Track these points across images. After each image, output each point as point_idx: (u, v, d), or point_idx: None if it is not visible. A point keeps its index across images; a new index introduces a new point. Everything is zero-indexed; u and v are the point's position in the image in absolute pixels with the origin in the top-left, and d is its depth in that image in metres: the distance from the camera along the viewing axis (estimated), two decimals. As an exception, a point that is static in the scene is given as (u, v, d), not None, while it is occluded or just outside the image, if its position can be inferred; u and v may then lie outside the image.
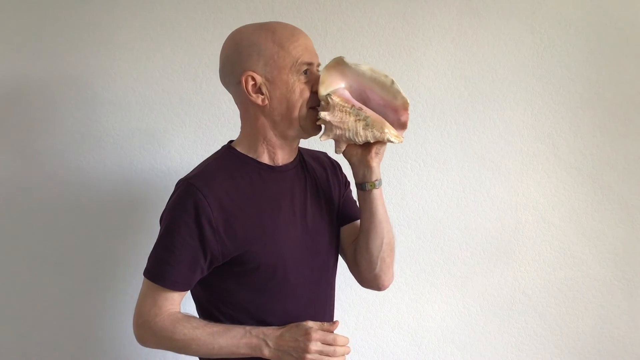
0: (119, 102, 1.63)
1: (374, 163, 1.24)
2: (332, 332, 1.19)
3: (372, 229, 1.28)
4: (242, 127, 1.27)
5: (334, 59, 1.21)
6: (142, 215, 1.63)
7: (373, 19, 1.71)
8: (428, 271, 1.77)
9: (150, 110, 1.64)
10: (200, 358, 1.28)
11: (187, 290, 1.22)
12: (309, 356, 1.14)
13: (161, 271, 1.18)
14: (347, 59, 1.20)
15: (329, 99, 1.19)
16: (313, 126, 1.23)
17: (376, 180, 1.25)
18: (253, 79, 1.20)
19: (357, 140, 1.21)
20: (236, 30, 1.25)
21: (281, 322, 1.21)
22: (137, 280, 1.65)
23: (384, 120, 1.21)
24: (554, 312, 1.81)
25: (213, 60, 1.64)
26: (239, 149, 1.26)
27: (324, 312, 1.32)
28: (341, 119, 1.19)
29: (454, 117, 1.75)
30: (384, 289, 1.37)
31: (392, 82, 1.21)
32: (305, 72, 1.21)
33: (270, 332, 1.17)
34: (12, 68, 1.59)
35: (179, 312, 1.21)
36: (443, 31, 1.73)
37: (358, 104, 1.21)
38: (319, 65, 1.25)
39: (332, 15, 1.69)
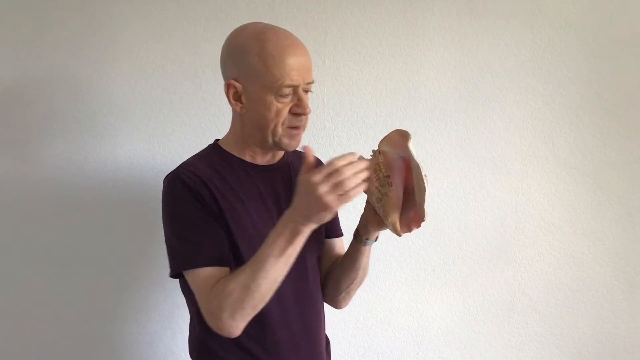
0: (119, 102, 1.63)
1: (373, 229, 1.25)
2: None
3: (349, 270, 1.32)
4: (230, 125, 1.28)
5: (406, 133, 1.14)
6: (142, 215, 1.62)
7: (373, 19, 1.71)
8: (428, 271, 1.77)
9: (150, 110, 1.64)
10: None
11: (219, 264, 1.15)
12: (330, 202, 1.02)
13: (186, 254, 1.16)
14: (412, 144, 1.12)
15: (379, 154, 1.17)
16: (289, 144, 1.21)
17: (367, 239, 1.27)
18: (235, 87, 1.20)
19: (370, 200, 1.22)
20: (240, 28, 1.23)
21: (268, 317, 1.20)
22: (137, 280, 1.66)
23: (397, 209, 1.17)
24: (554, 312, 1.81)
25: (213, 60, 1.64)
26: (224, 147, 1.27)
27: (313, 309, 1.31)
28: (369, 176, 1.15)
29: (454, 117, 1.75)
30: (339, 309, 1.44)
31: (425, 190, 1.13)
32: (287, 93, 1.17)
33: (289, 214, 1.08)
34: (12, 68, 1.59)
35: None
36: (443, 31, 1.73)
37: (392, 181, 1.17)
38: (310, 83, 1.20)
39: (332, 15, 1.69)
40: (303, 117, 1.20)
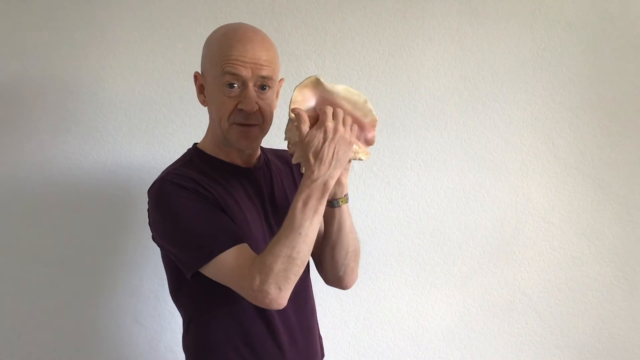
0: (119, 102, 1.63)
1: (344, 179, 1.23)
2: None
3: (338, 241, 1.28)
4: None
5: (309, 78, 1.13)
6: (142, 215, 1.62)
7: (373, 19, 1.71)
8: (428, 271, 1.77)
9: (150, 110, 1.64)
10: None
11: (242, 241, 1.14)
12: (347, 137, 1.10)
13: (209, 244, 1.13)
14: (323, 79, 1.14)
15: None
16: (238, 141, 1.19)
17: (345, 195, 1.24)
18: (199, 79, 1.23)
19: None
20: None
21: (270, 314, 1.20)
22: (136, 280, 1.66)
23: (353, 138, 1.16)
24: (554, 312, 1.81)
25: (213, 60, 1.64)
26: (205, 150, 1.26)
27: (307, 304, 1.31)
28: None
29: (454, 117, 1.75)
30: (347, 289, 1.38)
31: (365, 100, 1.15)
32: (231, 85, 1.15)
33: (311, 176, 1.09)
34: (11, 68, 1.59)
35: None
36: (443, 31, 1.73)
37: None
38: (267, 79, 1.17)
39: (332, 15, 1.69)
40: (251, 115, 1.17)
